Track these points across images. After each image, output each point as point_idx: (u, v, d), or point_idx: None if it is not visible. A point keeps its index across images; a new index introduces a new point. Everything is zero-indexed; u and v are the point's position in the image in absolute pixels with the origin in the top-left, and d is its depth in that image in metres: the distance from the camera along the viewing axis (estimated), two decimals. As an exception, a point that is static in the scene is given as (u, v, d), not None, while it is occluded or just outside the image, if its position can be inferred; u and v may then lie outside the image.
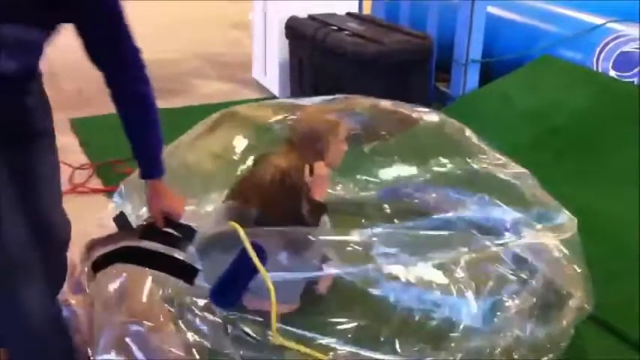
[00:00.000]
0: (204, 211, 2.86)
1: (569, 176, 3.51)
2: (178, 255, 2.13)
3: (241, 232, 2.14)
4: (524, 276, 2.42)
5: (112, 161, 3.84)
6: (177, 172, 2.51)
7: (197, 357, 2.08)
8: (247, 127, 2.73)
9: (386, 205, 3.06)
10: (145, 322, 2.05)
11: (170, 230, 2.15)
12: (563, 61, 4.51)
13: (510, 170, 2.83)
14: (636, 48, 4.45)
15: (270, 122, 2.75)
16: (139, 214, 2.45)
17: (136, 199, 2.49)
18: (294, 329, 2.15)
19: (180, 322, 2.13)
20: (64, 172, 3.82)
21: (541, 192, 2.73)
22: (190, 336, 2.11)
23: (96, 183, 3.74)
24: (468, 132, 2.89)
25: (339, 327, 2.24)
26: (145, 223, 2.21)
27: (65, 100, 5.08)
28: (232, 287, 2.10)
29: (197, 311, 2.16)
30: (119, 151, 3.74)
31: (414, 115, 2.82)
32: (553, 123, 4.01)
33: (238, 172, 2.76)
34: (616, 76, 4.44)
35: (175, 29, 7.53)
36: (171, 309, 2.14)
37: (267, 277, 2.08)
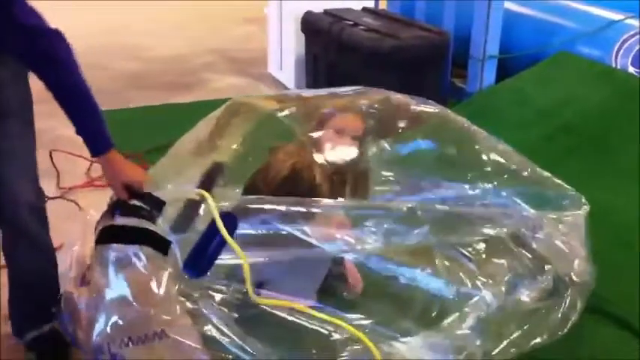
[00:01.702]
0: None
1: (581, 173, 3.48)
2: (150, 227, 2.11)
3: (210, 200, 2.11)
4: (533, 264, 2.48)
5: (127, 155, 3.83)
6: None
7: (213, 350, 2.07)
8: (255, 118, 2.69)
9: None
10: (162, 315, 2.05)
11: (139, 203, 2.14)
12: (581, 58, 4.47)
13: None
14: (656, 44, 4.41)
15: (278, 112, 2.71)
16: None
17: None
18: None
19: (196, 315, 2.12)
20: (81, 166, 3.86)
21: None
22: (207, 329, 2.10)
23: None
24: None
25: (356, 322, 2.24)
26: (113, 200, 2.20)
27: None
28: (203, 257, 2.07)
29: (214, 305, 2.16)
30: (134, 145, 3.77)
31: (417, 108, 2.78)
32: (568, 120, 3.98)
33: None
34: (635, 73, 4.40)
35: (189, 24, 7.55)
36: (187, 303, 2.14)
37: (236, 247, 2.06)
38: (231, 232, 2.06)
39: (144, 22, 7.40)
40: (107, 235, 2.11)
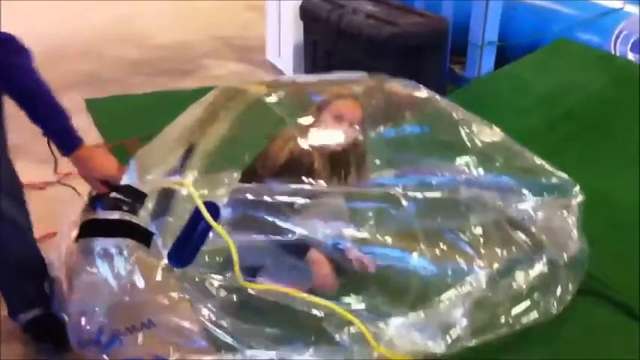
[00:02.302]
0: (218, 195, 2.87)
1: (581, 160, 3.49)
2: (133, 219, 2.11)
3: (192, 189, 2.11)
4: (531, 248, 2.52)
5: (127, 141, 3.85)
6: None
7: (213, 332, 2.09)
8: (244, 103, 2.69)
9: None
10: (160, 298, 2.07)
11: (119, 196, 2.13)
12: (580, 44, 4.47)
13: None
14: (655, 31, 4.40)
15: (266, 98, 2.72)
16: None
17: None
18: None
19: (195, 299, 2.14)
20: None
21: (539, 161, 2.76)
22: (206, 312, 2.12)
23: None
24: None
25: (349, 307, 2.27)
26: (93, 194, 2.19)
27: (80, 80, 5.12)
28: (187, 247, 2.07)
29: (212, 288, 2.17)
30: (134, 131, 3.78)
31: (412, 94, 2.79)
32: (567, 106, 3.98)
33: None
34: (634, 59, 4.40)
35: (189, 11, 7.54)
36: (186, 286, 2.15)
37: (224, 232, 2.07)
38: (214, 221, 2.06)
39: (145, 10, 7.38)
40: (89, 229, 2.10)
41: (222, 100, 2.64)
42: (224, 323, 2.10)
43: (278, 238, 2.23)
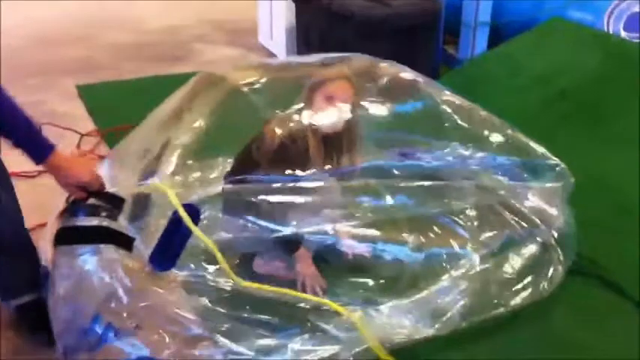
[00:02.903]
0: (210, 178, 2.87)
1: (575, 139, 3.49)
2: (113, 225, 2.09)
3: (171, 193, 2.09)
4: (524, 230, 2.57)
5: (120, 127, 3.84)
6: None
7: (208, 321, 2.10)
8: (224, 91, 2.68)
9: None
10: (156, 288, 2.06)
11: (98, 202, 2.12)
12: (573, 23, 4.45)
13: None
14: (647, 9, 4.39)
15: (244, 87, 2.72)
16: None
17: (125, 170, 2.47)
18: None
19: (191, 287, 2.15)
20: (72, 140, 3.85)
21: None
22: (202, 300, 2.14)
23: (104, 150, 3.75)
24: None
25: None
26: (71, 200, 2.17)
27: (72, 66, 5.10)
28: (169, 250, 2.06)
29: (208, 276, 2.19)
30: (126, 118, 3.75)
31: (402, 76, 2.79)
32: (561, 86, 3.97)
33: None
34: (627, 37, 4.38)
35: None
36: (181, 274, 2.15)
37: (203, 236, 2.07)
38: (194, 223, 2.04)
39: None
40: (69, 237, 2.09)
41: (201, 87, 2.64)
42: (219, 311, 2.11)
43: (269, 236, 2.26)
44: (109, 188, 2.16)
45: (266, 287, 2.18)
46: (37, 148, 2.02)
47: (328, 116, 2.53)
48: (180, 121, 2.50)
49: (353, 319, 2.15)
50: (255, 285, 2.16)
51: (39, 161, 2.03)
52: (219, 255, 2.08)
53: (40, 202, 2.54)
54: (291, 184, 2.31)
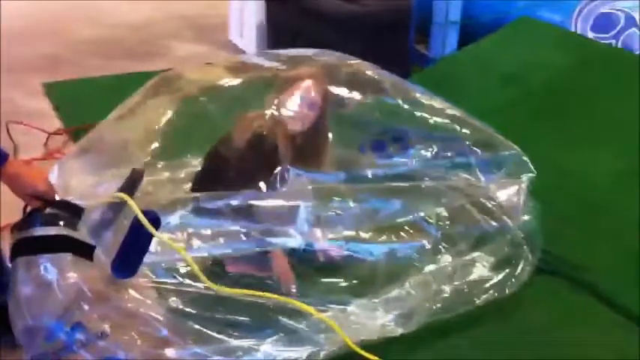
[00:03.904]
0: (180, 177, 2.85)
1: (544, 137, 3.52)
2: (72, 234, 2.06)
3: (130, 201, 2.06)
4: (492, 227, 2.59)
5: (87, 126, 3.78)
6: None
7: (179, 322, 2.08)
8: (183, 96, 2.66)
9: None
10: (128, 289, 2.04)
11: (56, 211, 2.09)
12: (542, 23, 4.49)
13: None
14: (615, 9, 4.44)
15: (218, 84, 2.70)
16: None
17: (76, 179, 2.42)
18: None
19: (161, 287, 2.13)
20: (39, 138, 3.79)
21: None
22: (172, 302, 2.12)
23: (72, 149, 3.69)
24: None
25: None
26: (28, 210, 2.13)
27: (38, 64, 5.01)
28: (130, 257, 2.02)
29: (179, 277, 2.15)
30: (93, 116, 3.69)
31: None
32: (530, 85, 4.00)
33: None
34: (594, 38, 4.43)
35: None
36: (152, 275, 2.13)
37: (169, 241, 2.07)
38: (155, 228, 2.01)
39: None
40: (28, 247, 2.04)
41: (159, 88, 2.62)
42: (189, 312, 2.10)
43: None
44: (64, 196, 2.13)
45: (241, 291, 2.15)
46: None
47: (296, 114, 2.53)
48: (138, 123, 2.48)
49: (325, 320, 2.14)
50: (230, 290, 2.12)
51: None
52: (189, 258, 2.06)
53: (11, 202, 2.49)
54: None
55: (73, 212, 2.09)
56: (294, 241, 2.32)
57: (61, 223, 2.05)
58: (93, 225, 2.10)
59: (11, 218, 2.48)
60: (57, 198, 2.12)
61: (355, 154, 2.82)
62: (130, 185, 2.17)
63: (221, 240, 2.22)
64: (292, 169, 2.42)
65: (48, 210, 2.08)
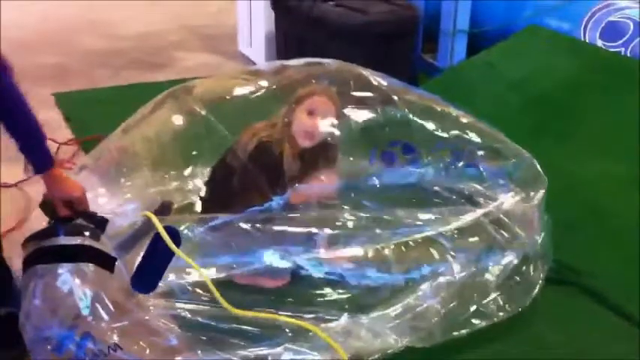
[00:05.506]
0: (188, 189, 2.85)
1: (552, 145, 3.52)
2: (95, 245, 2.09)
3: (154, 218, 2.11)
4: (505, 239, 2.55)
5: (97, 137, 3.79)
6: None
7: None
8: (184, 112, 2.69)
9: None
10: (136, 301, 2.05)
11: (82, 222, 2.13)
12: (550, 31, 4.49)
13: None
14: (624, 17, 4.43)
15: (228, 95, 2.71)
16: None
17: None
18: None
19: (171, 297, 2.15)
20: (50, 148, 3.79)
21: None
22: (180, 310, 2.12)
23: (82, 159, 3.70)
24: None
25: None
26: (54, 219, 2.18)
27: (48, 74, 5.04)
28: (150, 272, 2.07)
29: (187, 286, 2.17)
30: (104, 126, 3.71)
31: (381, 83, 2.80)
32: (538, 92, 4.00)
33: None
34: (603, 46, 4.43)
35: (159, 1, 7.43)
36: (161, 284, 2.13)
37: (187, 258, 2.09)
38: (175, 245, 2.05)
39: None
40: (49, 256, 2.07)
41: (167, 101, 2.65)
42: (198, 321, 2.10)
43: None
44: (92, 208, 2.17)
45: (256, 314, 2.15)
46: (43, 157, 2.07)
47: (308, 132, 2.53)
48: (147, 134, 2.52)
49: (329, 342, 2.13)
50: (248, 313, 2.13)
51: (40, 170, 2.07)
52: (209, 280, 2.08)
53: (20, 212, 2.51)
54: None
55: (98, 224, 2.14)
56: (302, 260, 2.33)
57: (86, 233, 2.09)
58: (117, 239, 2.14)
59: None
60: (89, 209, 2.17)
61: (365, 165, 2.81)
62: (159, 214, 2.21)
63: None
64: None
65: (75, 221, 2.12)
